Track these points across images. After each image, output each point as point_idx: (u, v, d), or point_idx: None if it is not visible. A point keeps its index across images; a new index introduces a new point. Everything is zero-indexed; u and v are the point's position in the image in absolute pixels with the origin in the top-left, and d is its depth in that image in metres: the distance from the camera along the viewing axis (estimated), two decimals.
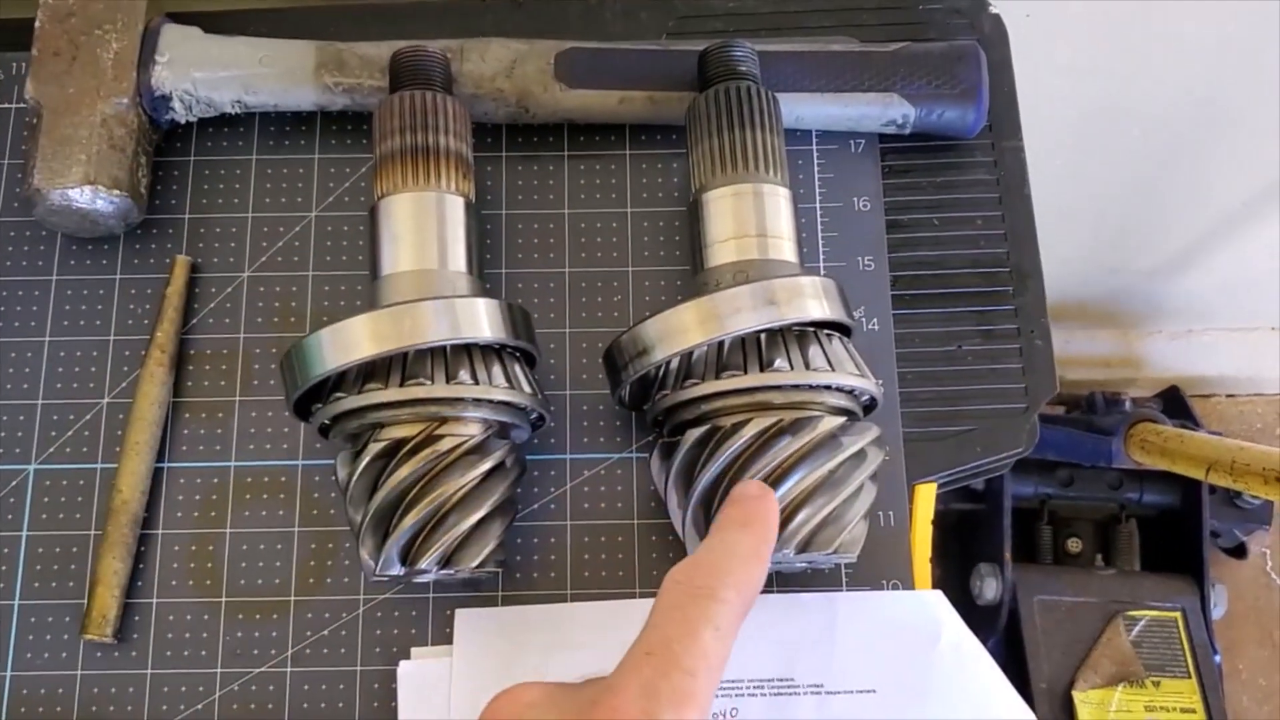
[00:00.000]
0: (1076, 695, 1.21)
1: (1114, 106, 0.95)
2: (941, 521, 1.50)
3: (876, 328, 0.56)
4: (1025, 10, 0.79)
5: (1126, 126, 0.98)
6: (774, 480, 0.46)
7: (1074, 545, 1.35)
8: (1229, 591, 1.45)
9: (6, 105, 0.60)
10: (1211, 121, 0.99)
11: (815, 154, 0.59)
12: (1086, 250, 1.24)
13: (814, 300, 0.47)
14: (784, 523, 0.46)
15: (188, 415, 0.55)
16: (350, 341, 0.45)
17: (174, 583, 0.53)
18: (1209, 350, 1.50)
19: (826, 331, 0.49)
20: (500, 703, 0.39)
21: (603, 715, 0.35)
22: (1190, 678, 1.23)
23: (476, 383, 0.46)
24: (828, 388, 0.47)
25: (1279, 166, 1.06)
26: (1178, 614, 1.26)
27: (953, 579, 1.38)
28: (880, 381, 0.54)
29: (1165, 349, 1.49)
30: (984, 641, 1.29)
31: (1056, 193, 1.05)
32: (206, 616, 0.53)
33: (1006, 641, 1.25)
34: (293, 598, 0.53)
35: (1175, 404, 1.38)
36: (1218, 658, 1.25)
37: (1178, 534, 1.33)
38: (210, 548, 0.54)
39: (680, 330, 0.46)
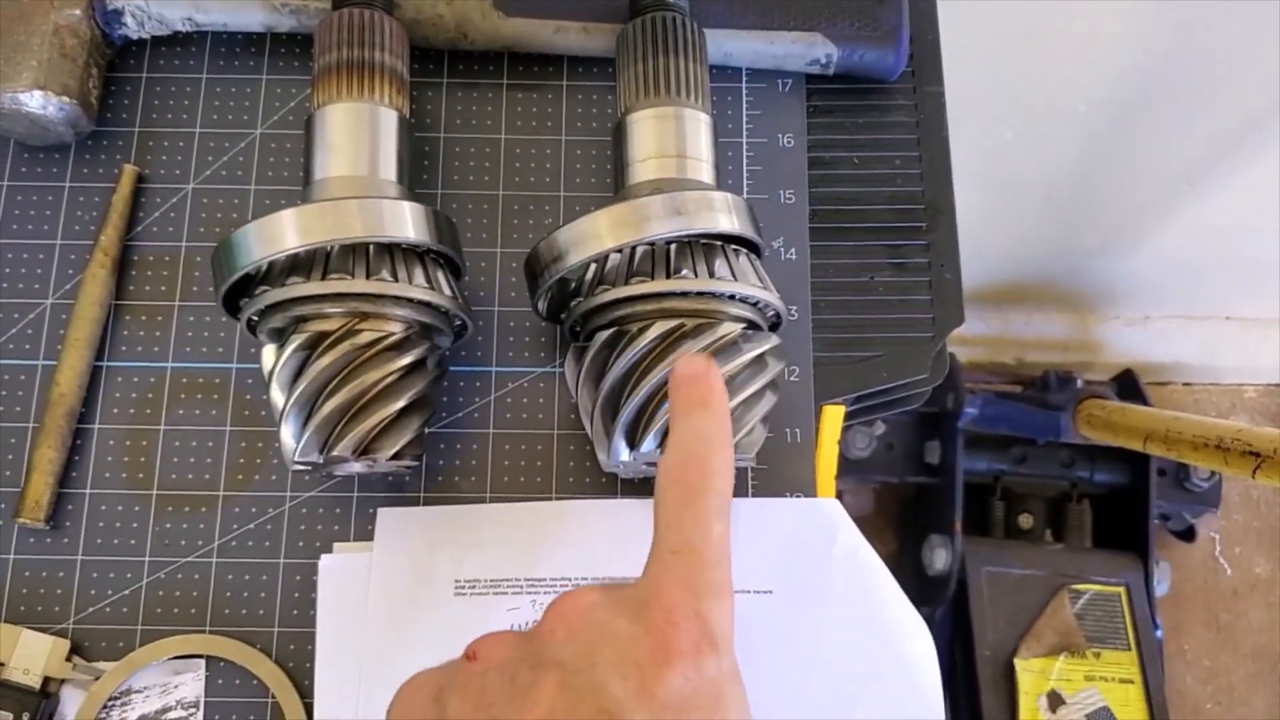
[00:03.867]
0: (1018, 663, 1.24)
1: (1059, 79, 0.97)
2: (897, 494, 1.54)
3: (794, 257, 0.59)
4: None
5: (1072, 101, 1.00)
6: None
7: (1025, 521, 1.38)
8: (1178, 573, 1.48)
9: None
10: (1153, 99, 1.01)
11: (744, 92, 0.61)
12: (1038, 228, 1.26)
13: (723, 214, 0.49)
14: None
15: (128, 317, 0.57)
16: (276, 234, 0.47)
17: (107, 475, 0.55)
18: (1165, 337, 1.52)
19: (734, 247, 0.51)
20: (563, 606, 0.39)
21: (658, 614, 0.37)
22: (1130, 650, 1.25)
23: (396, 280, 0.48)
24: (731, 297, 0.50)
25: (1218, 147, 1.08)
26: (1121, 589, 1.29)
27: (907, 549, 1.41)
28: (794, 309, 0.57)
29: (1122, 335, 1.52)
30: (932, 610, 1.32)
31: (1007, 167, 1.08)
32: (137, 508, 0.55)
33: (954, 610, 1.28)
34: (221, 493, 0.55)
35: (1129, 388, 1.41)
36: (1159, 632, 1.28)
37: (1126, 512, 1.36)
38: (144, 443, 0.56)
39: (593, 236, 0.48)
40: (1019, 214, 1.22)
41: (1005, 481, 1.38)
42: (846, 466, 1.35)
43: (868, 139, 0.61)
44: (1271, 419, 1.57)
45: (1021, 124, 1.04)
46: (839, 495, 1.40)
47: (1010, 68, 0.95)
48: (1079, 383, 1.33)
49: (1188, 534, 1.45)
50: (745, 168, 0.60)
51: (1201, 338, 1.53)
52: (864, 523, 1.47)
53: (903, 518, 1.49)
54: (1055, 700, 1.22)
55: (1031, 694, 1.22)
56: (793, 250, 0.59)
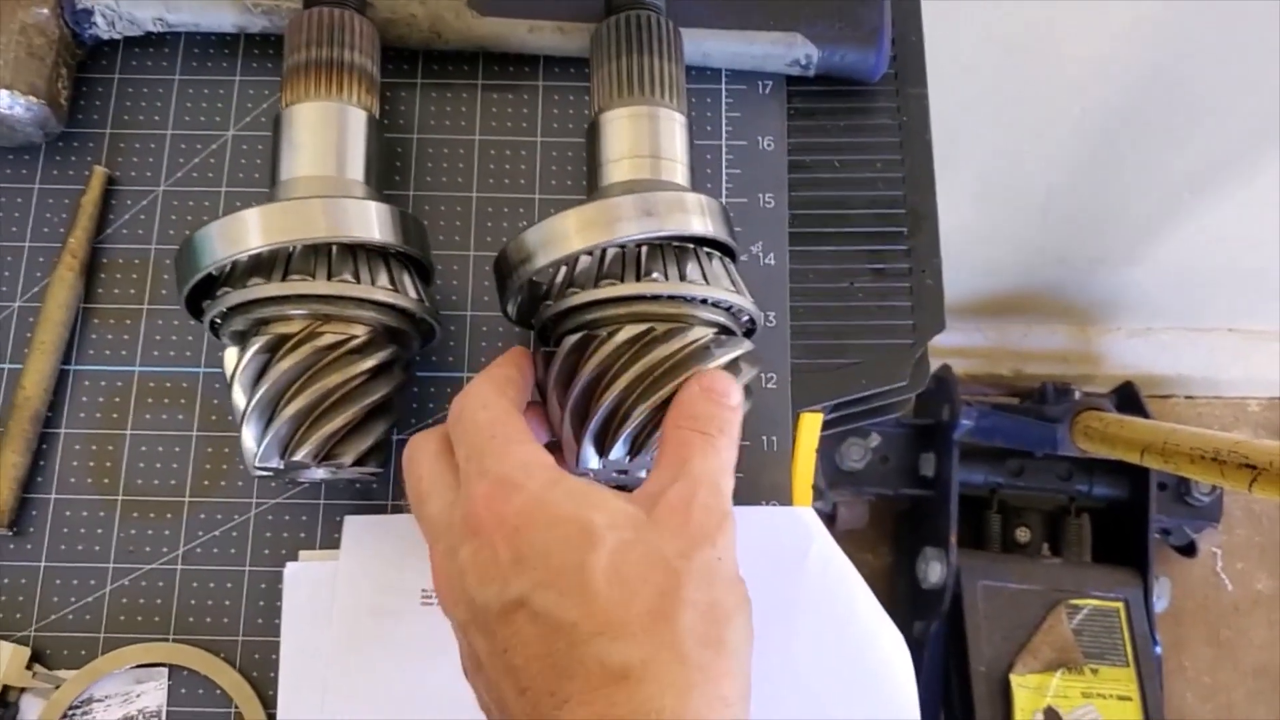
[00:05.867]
0: (1014, 679, 1.22)
1: (1054, 85, 0.97)
2: (893, 507, 1.53)
3: (773, 262, 0.58)
4: None
5: (1068, 107, 1.00)
6: (646, 385, 0.47)
7: (1023, 535, 1.37)
8: (1179, 589, 1.47)
9: None
10: (1151, 108, 1.00)
11: (724, 94, 0.60)
12: (1037, 237, 1.25)
13: (696, 216, 0.48)
14: (653, 428, 0.47)
15: (96, 321, 0.57)
16: (238, 234, 0.46)
17: (73, 480, 0.54)
18: (1167, 349, 1.51)
19: (708, 250, 0.50)
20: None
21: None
22: (1129, 666, 1.24)
23: (359, 282, 0.47)
24: (704, 302, 0.49)
25: (1220, 156, 1.07)
26: (1120, 604, 1.27)
27: (903, 562, 1.40)
28: (772, 315, 0.56)
29: (1124, 346, 1.50)
30: (927, 624, 1.31)
31: (1004, 175, 1.07)
32: (102, 513, 0.54)
33: (949, 625, 1.27)
34: (187, 499, 0.54)
35: (1130, 400, 1.40)
36: (1158, 649, 1.27)
37: (1125, 527, 1.34)
38: (110, 448, 0.55)
39: (562, 236, 0.47)
40: (1017, 223, 1.21)
41: (1002, 494, 1.37)
42: (841, 478, 1.34)
43: (849, 142, 0.60)
44: (1274, 433, 1.55)
45: (1017, 131, 1.03)
46: (834, 508, 1.38)
47: (1005, 73, 0.94)
48: (1076, 395, 1.32)
49: (1189, 549, 1.44)
50: (724, 171, 0.59)
51: (1204, 350, 1.51)
52: (859, 535, 1.46)
53: (898, 530, 1.48)
54: (1052, 717, 1.21)
55: (1028, 710, 1.21)
56: (771, 255, 0.58)
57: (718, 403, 0.45)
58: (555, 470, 0.43)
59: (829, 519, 1.41)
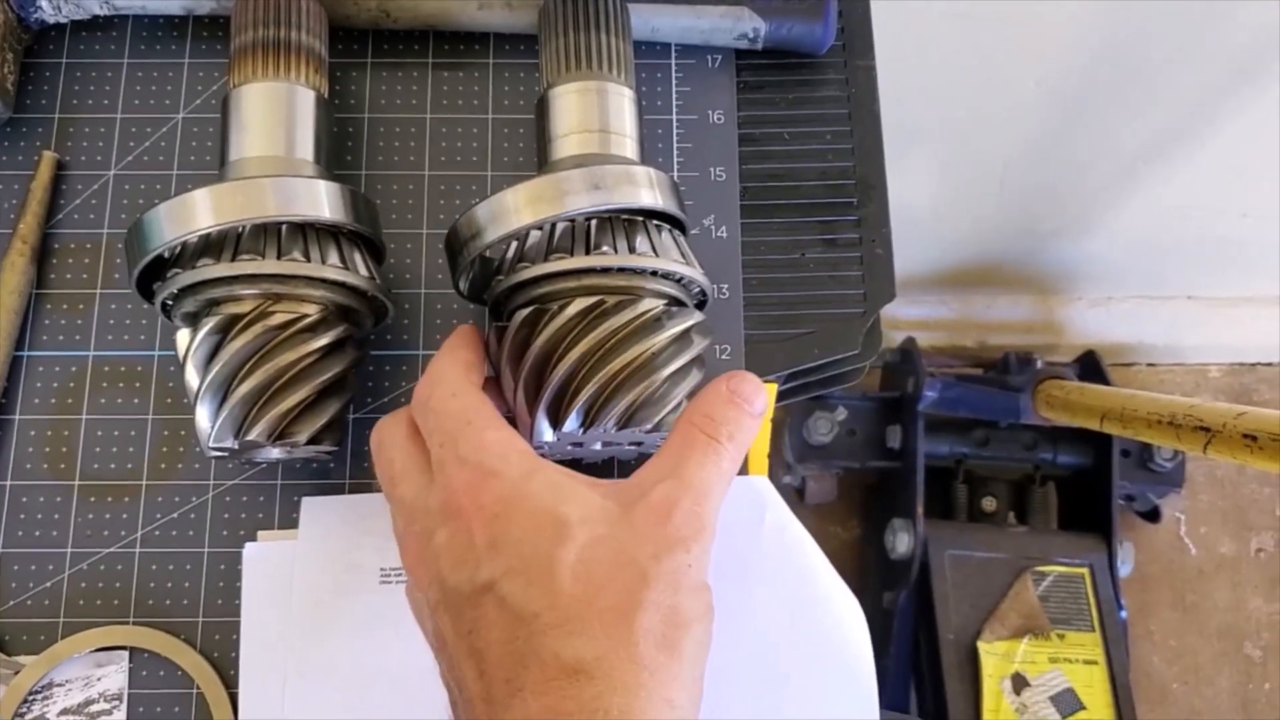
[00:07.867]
0: (982, 646, 1.24)
1: (1008, 56, 0.97)
2: (861, 480, 1.54)
3: (725, 235, 0.58)
4: None
5: (1022, 78, 1.00)
6: (598, 358, 0.47)
7: (989, 504, 1.38)
8: (1145, 554, 1.49)
9: None
10: (1104, 78, 1.01)
11: (674, 68, 0.61)
12: (997, 209, 1.26)
13: (645, 189, 0.49)
14: (606, 399, 0.47)
15: (49, 306, 0.56)
16: (186, 215, 0.46)
17: (28, 465, 0.54)
18: (1128, 318, 1.52)
19: (657, 223, 0.50)
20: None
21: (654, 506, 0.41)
22: (1094, 631, 1.26)
23: (309, 261, 0.47)
24: (653, 274, 0.49)
25: (1171, 127, 1.08)
26: (1085, 570, 1.29)
27: (872, 535, 1.41)
28: (725, 287, 0.57)
29: (1085, 316, 1.52)
30: (896, 595, 1.32)
31: (962, 147, 1.08)
32: (59, 498, 0.54)
33: (917, 594, 1.28)
34: (144, 482, 0.54)
35: (1092, 369, 1.41)
36: (1123, 613, 1.29)
37: (1089, 494, 1.36)
38: (66, 433, 0.55)
39: (512, 210, 0.48)
40: (976, 195, 1.22)
41: (968, 465, 1.38)
42: (809, 453, 1.35)
43: (798, 114, 0.60)
44: (1234, 397, 1.57)
45: (973, 105, 1.04)
46: (803, 482, 1.38)
47: (960, 49, 0.95)
48: (1038, 364, 1.34)
49: (1152, 515, 1.46)
50: (675, 145, 0.59)
51: (1164, 318, 1.53)
52: (828, 509, 1.47)
53: (866, 503, 1.49)
54: (1019, 683, 1.22)
55: (995, 677, 1.22)
56: (723, 228, 0.58)
57: (739, 407, 0.45)
58: (533, 459, 0.43)
59: (798, 493, 1.42)
